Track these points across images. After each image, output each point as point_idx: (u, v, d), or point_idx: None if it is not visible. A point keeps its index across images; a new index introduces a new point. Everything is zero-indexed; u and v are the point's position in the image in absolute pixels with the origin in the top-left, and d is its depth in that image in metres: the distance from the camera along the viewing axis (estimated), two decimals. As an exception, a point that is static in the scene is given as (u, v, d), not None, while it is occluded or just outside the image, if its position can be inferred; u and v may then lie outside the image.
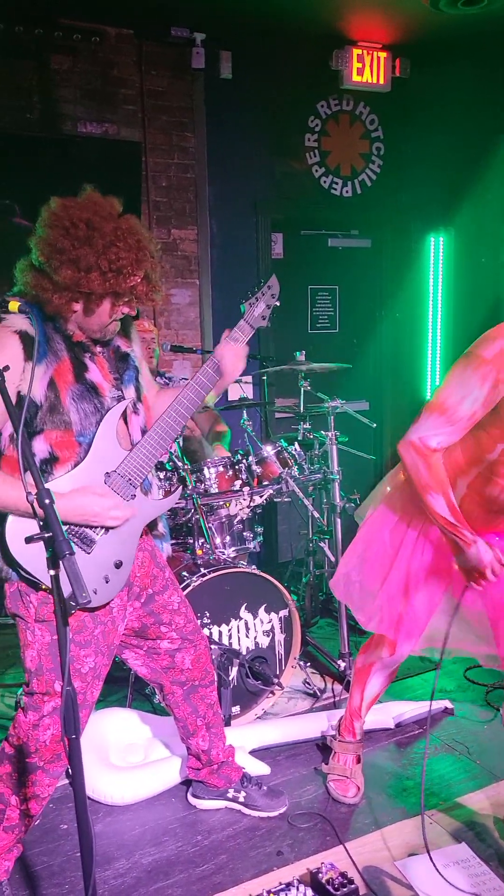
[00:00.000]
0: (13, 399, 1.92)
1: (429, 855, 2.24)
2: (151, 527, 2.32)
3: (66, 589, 1.62)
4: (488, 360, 1.97)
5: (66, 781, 2.69)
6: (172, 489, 2.27)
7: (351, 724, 2.76)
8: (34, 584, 2.05)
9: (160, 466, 3.34)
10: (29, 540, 1.67)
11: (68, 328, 2.08)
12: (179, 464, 3.35)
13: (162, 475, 3.34)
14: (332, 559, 3.80)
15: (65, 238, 1.95)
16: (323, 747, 3.00)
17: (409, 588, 2.32)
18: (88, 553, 2.08)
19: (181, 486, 3.28)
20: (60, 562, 1.58)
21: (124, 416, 2.16)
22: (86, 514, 2.02)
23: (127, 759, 2.87)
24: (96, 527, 2.08)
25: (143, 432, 2.20)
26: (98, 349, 2.15)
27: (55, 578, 1.59)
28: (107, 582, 2.12)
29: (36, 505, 1.62)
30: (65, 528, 1.98)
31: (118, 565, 2.14)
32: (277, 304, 2.36)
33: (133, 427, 2.19)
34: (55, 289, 1.98)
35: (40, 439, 2.01)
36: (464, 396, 2.01)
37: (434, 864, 2.24)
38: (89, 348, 2.12)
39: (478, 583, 2.12)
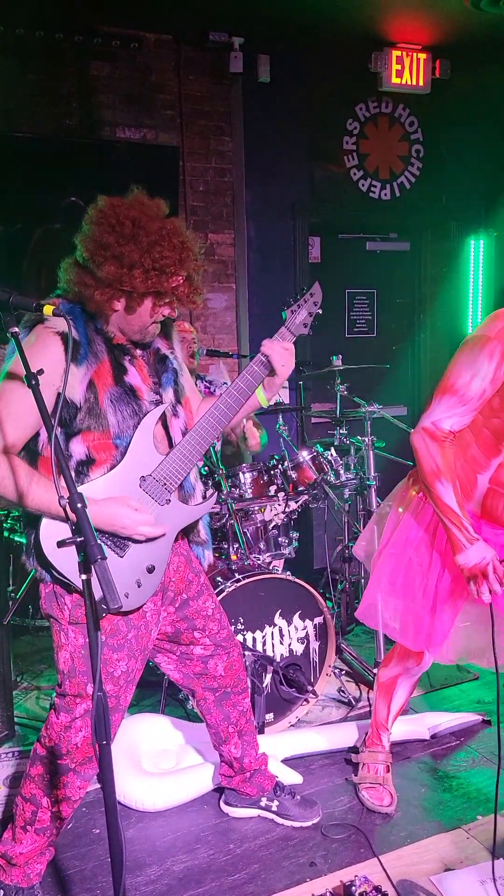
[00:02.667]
0: (53, 400, 1.94)
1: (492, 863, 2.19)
2: (190, 531, 2.29)
3: (98, 594, 1.62)
4: (493, 337, 2.01)
5: (98, 786, 2.71)
6: (208, 494, 2.25)
7: (378, 736, 2.75)
8: (68, 587, 2.05)
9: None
10: (61, 544, 1.67)
11: (109, 330, 2.08)
12: (215, 468, 3.34)
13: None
14: (368, 566, 3.76)
15: (110, 234, 1.96)
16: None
17: (437, 601, 2.29)
18: (121, 557, 2.07)
19: (217, 492, 3.27)
20: (92, 567, 1.57)
21: (163, 419, 2.15)
22: (115, 525, 2.01)
23: (159, 766, 2.86)
24: None
25: (185, 434, 2.18)
26: (138, 352, 2.14)
27: (87, 583, 1.59)
28: (139, 586, 2.10)
29: (68, 509, 1.61)
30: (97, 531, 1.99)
31: (150, 570, 2.13)
32: (320, 311, 2.30)
33: (174, 430, 2.18)
34: (97, 285, 1.99)
35: (77, 441, 2.01)
36: (473, 375, 2.03)
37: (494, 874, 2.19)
38: (129, 351, 2.12)
39: (479, 584, 2.06)
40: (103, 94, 4.39)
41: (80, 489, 1.97)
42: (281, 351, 2.20)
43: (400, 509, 2.30)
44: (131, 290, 1.98)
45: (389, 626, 2.38)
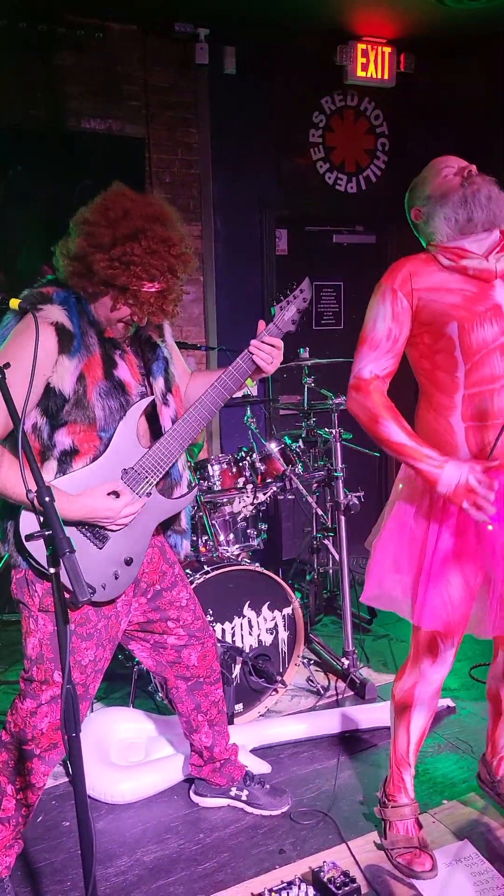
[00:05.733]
0: (42, 389, 1.96)
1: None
2: (170, 522, 2.29)
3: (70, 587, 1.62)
4: (383, 282, 2.13)
5: (67, 779, 2.71)
6: (192, 486, 2.25)
7: (400, 779, 2.39)
8: (42, 574, 2.05)
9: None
10: (29, 538, 1.67)
11: (100, 321, 2.06)
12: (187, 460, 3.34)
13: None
14: (336, 556, 3.79)
15: (96, 214, 1.96)
16: (329, 745, 2.99)
17: (447, 575, 2.14)
18: (100, 549, 2.08)
19: (197, 485, 3.28)
20: (60, 559, 1.57)
21: (153, 408, 2.15)
22: (96, 517, 2.02)
23: (128, 758, 2.87)
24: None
25: (174, 423, 2.18)
26: (128, 346, 2.14)
27: (55, 576, 1.59)
28: (116, 578, 2.12)
29: (36, 502, 1.61)
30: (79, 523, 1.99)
31: (128, 562, 2.14)
32: (306, 306, 2.32)
33: (163, 419, 2.18)
34: (68, 256, 1.99)
35: (63, 432, 2.01)
36: (374, 319, 2.13)
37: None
38: (120, 345, 2.12)
39: (472, 502, 1.95)
40: (68, 85, 4.35)
41: (61, 480, 2.00)
42: (268, 348, 2.21)
43: (400, 486, 2.26)
44: (92, 273, 1.96)
45: (400, 605, 2.20)
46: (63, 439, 2.01)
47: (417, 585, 2.14)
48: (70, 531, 2.00)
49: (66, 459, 2.02)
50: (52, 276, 2.10)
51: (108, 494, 2.03)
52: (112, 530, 2.09)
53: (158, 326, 2.24)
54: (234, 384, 2.20)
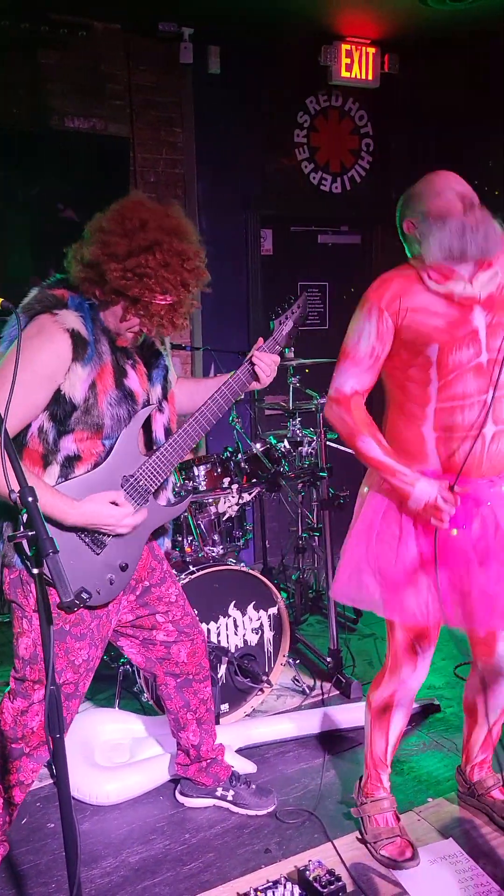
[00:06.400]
0: (51, 395, 1.96)
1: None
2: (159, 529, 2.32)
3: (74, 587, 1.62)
4: (369, 298, 2.16)
5: (52, 781, 2.70)
6: (184, 492, 2.27)
7: (378, 778, 2.45)
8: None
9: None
10: (12, 538, 1.66)
11: (112, 330, 2.06)
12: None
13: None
14: (322, 556, 3.80)
15: (113, 222, 1.95)
16: (315, 744, 3.00)
17: (412, 568, 2.22)
18: (98, 555, 2.09)
19: (190, 493, 3.28)
20: (44, 560, 1.56)
21: (147, 416, 2.16)
22: (98, 524, 2.03)
23: (113, 760, 2.86)
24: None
25: (167, 431, 2.20)
26: (138, 355, 2.15)
27: (39, 577, 1.58)
28: (111, 584, 2.13)
29: (19, 503, 1.60)
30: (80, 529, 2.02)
31: (124, 568, 2.15)
32: (302, 322, 2.39)
33: (157, 426, 2.19)
34: (82, 263, 1.98)
35: (69, 438, 2.02)
36: (359, 335, 2.17)
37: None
38: (132, 354, 2.13)
39: (438, 518, 2.08)
40: (52, 83, 4.33)
41: (64, 485, 2.01)
42: (269, 362, 2.27)
43: (366, 489, 2.31)
44: (104, 282, 1.95)
45: (371, 601, 2.25)
46: (68, 445, 2.02)
47: (388, 582, 2.20)
48: (69, 536, 2.02)
49: (69, 465, 2.03)
50: (60, 276, 2.08)
51: (110, 503, 2.03)
52: (113, 537, 2.10)
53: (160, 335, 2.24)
54: (234, 395, 2.25)
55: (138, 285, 1.92)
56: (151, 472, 2.13)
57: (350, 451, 2.28)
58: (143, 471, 2.12)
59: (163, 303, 1.98)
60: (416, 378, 2.16)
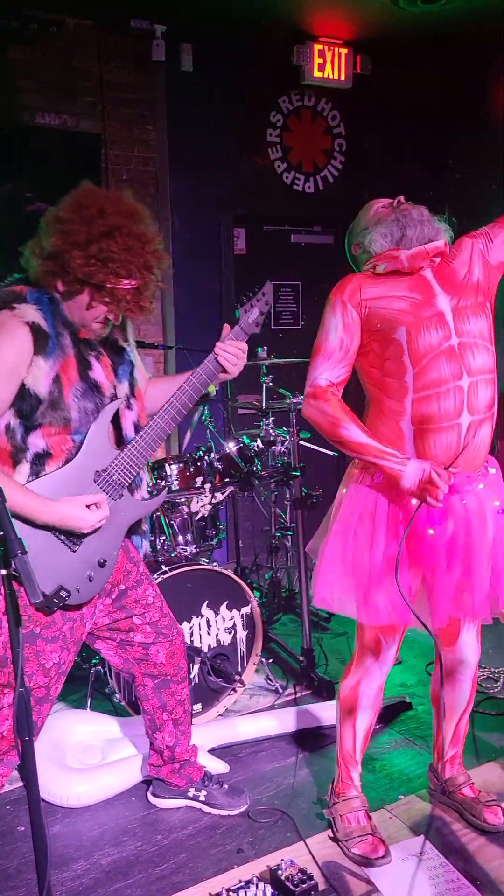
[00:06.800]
0: (16, 390, 1.94)
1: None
2: (136, 525, 2.30)
3: (50, 588, 1.67)
4: (333, 295, 2.26)
5: (22, 784, 2.67)
6: (159, 486, 2.27)
7: (349, 776, 2.46)
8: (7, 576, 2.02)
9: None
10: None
11: (74, 322, 2.05)
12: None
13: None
14: (295, 555, 3.80)
15: (71, 212, 1.94)
16: (288, 743, 3.00)
17: (382, 572, 2.22)
18: (74, 552, 2.07)
19: (166, 487, 3.27)
20: (12, 561, 1.55)
21: (115, 413, 2.15)
22: (70, 526, 2.01)
23: (84, 762, 2.84)
24: None
25: (136, 427, 2.19)
26: (102, 348, 2.14)
27: (7, 578, 1.56)
28: (90, 581, 2.11)
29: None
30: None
31: (102, 564, 2.14)
32: (269, 308, 2.37)
33: (126, 422, 2.18)
34: (41, 255, 1.97)
35: (37, 434, 2.00)
36: (327, 330, 2.25)
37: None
38: (95, 346, 2.11)
39: (434, 496, 2.07)
40: (22, 79, 4.28)
41: (35, 483, 1.99)
42: (234, 351, 2.25)
43: (344, 490, 2.33)
44: (68, 272, 1.94)
45: (345, 605, 2.27)
46: (37, 441, 2.00)
47: (362, 586, 2.22)
48: (44, 535, 2.01)
49: (40, 462, 2.01)
50: (19, 275, 2.07)
51: (89, 506, 2.02)
52: (87, 536, 2.08)
53: (123, 329, 2.24)
54: (203, 386, 2.24)
55: (102, 270, 1.93)
56: (124, 466, 2.12)
57: (327, 451, 2.30)
58: (116, 465, 2.10)
59: (128, 287, 1.98)
60: (392, 371, 2.19)
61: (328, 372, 2.24)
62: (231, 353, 2.24)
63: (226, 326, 2.30)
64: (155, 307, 2.10)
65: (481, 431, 2.19)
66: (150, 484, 3.32)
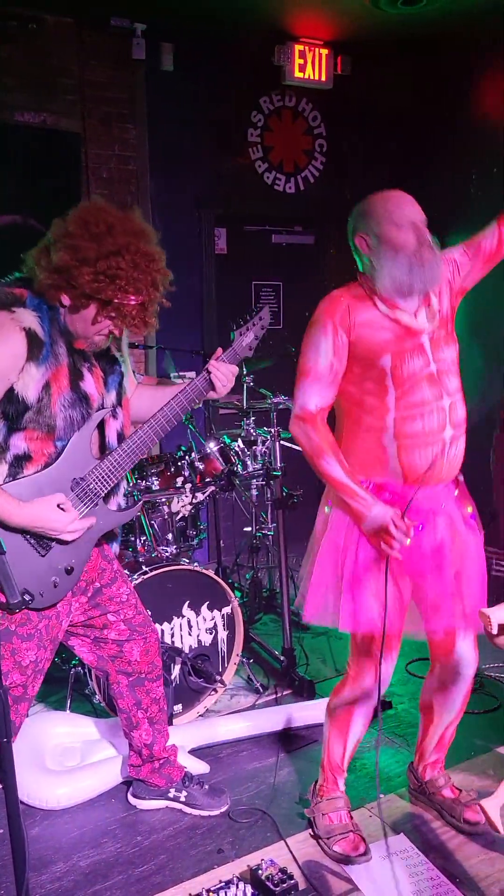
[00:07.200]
0: (3, 392, 1.94)
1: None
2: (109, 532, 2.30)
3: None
4: (323, 315, 2.22)
5: (0, 786, 2.65)
6: (133, 500, 2.27)
7: (334, 782, 2.49)
8: None
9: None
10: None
11: (72, 332, 2.05)
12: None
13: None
14: (276, 555, 3.81)
15: (80, 227, 1.95)
16: (268, 743, 3.00)
17: (368, 581, 2.24)
18: (42, 556, 2.06)
19: (141, 499, 3.25)
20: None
21: (100, 421, 2.15)
22: (43, 527, 2.00)
23: (64, 763, 2.82)
24: None
25: (120, 437, 2.19)
26: (95, 359, 2.14)
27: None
28: (55, 587, 2.10)
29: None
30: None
31: (69, 571, 2.12)
32: (264, 333, 2.38)
33: (109, 431, 2.18)
34: (48, 268, 1.97)
35: (20, 436, 2.00)
36: (316, 353, 2.21)
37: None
38: (89, 357, 2.12)
39: (388, 543, 2.12)
40: (1, 77, 4.25)
41: (10, 485, 1.98)
42: (226, 372, 2.28)
43: (326, 509, 2.33)
44: (76, 287, 1.95)
45: (338, 619, 2.26)
46: (19, 443, 2.00)
47: (353, 596, 2.23)
48: (14, 537, 2.00)
49: (19, 464, 2.01)
50: (20, 273, 2.06)
51: (57, 506, 2.01)
52: (58, 542, 2.07)
53: (118, 339, 2.24)
54: (189, 403, 2.26)
55: (110, 287, 1.94)
56: (102, 476, 2.11)
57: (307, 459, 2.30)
58: (94, 474, 2.10)
59: (134, 303, 2.00)
60: (373, 391, 2.21)
61: (318, 396, 2.23)
62: (223, 372, 2.27)
63: (219, 350, 2.32)
64: (157, 323, 2.11)
65: (458, 444, 2.26)
66: (130, 485, 3.31)
